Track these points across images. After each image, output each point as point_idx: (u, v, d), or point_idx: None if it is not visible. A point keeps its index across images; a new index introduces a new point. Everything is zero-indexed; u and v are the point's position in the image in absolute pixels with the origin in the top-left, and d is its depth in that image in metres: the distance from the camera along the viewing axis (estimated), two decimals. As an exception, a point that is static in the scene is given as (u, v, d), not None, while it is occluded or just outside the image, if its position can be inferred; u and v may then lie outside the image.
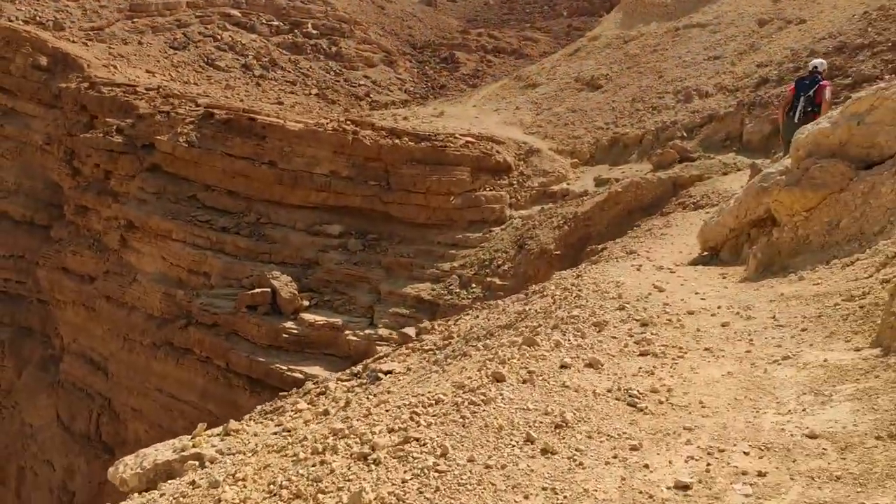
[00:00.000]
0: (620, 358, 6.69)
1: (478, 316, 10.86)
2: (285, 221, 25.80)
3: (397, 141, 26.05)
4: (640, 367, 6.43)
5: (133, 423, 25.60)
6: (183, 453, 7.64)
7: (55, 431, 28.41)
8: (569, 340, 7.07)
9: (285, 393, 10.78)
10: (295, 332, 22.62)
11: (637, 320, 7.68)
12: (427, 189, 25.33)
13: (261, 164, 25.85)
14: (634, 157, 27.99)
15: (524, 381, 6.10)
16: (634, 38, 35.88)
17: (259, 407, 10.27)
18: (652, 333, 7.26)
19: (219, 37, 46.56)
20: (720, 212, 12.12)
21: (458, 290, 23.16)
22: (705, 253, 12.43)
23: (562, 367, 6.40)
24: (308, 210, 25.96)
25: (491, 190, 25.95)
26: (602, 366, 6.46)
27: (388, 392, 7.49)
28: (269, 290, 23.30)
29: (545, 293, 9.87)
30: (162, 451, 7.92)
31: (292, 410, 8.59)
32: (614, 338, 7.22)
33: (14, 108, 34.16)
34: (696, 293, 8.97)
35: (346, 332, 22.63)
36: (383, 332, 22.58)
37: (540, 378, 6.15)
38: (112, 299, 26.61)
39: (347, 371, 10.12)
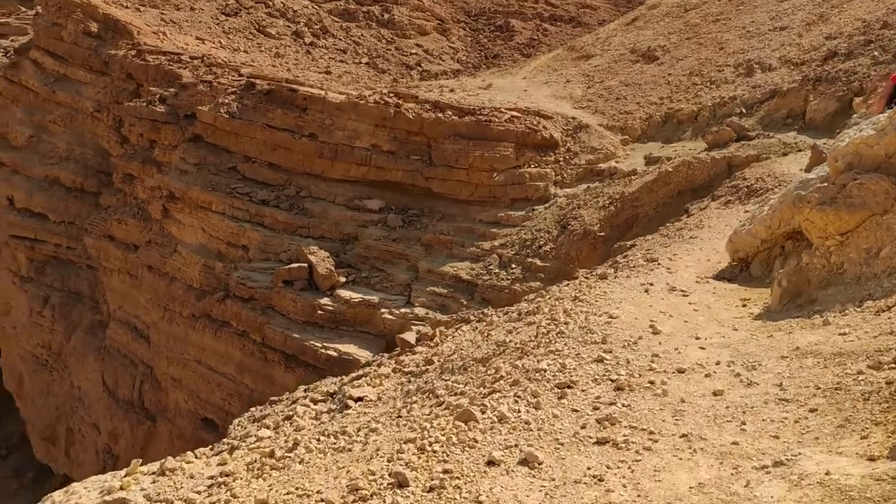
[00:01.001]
0: (569, 448, 5.64)
1: (470, 330, 10.37)
2: (325, 195, 25.45)
3: (440, 115, 25.34)
4: (587, 469, 5.35)
5: (173, 393, 25.86)
6: (107, 497, 7.26)
7: (101, 395, 28.97)
8: (517, 413, 6.24)
9: (258, 410, 10.36)
10: (330, 308, 22.34)
11: (612, 381, 6.78)
12: (470, 165, 24.63)
13: (301, 137, 25.48)
14: (688, 135, 26.73)
15: (430, 489, 5.27)
16: (696, 6, 34.21)
17: (236, 421, 9.99)
18: (623, 406, 6.25)
19: (270, 3, 46.20)
20: (752, 219, 11.03)
21: (497, 271, 22.53)
22: (734, 263, 11.39)
23: (488, 463, 5.48)
24: (348, 184, 25.55)
25: (535, 167, 25.10)
26: (539, 465, 5.41)
27: (307, 465, 6.74)
28: (306, 265, 23.04)
29: (536, 315, 9.20)
30: (90, 491, 7.57)
31: (253, 438, 8.24)
32: (575, 411, 6.28)
33: (66, 75, 34.46)
34: (697, 338, 7.92)
35: (382, 310, 22.24)
36: (419, 311, 22.14)
37: (451, 485, 5.26)
38: (153, 269, 26.77)
39: (323, 389, 9.68)
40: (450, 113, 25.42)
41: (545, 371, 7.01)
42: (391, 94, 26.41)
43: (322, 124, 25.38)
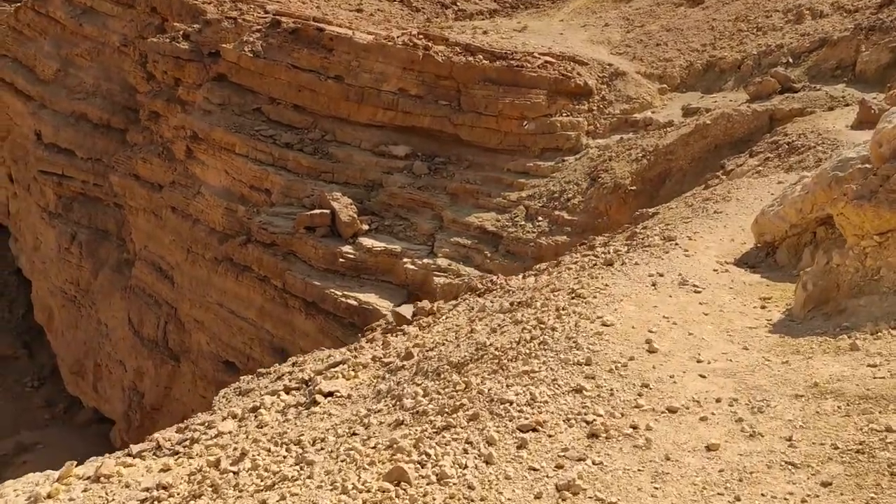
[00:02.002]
0: None
1: (465, 311, 9.79)
2: (350, 140, 24.86)
3: (471, 59, 24.42)
4: None
5: (196, 334, 25.94)
6: (32, 506, 6.94)
7: (126, 333, 29.22)
8: (462, 471, 5.32)
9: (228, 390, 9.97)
10: (352, 256, 21.99)
11: (588, 423, 5.74)
12: (499, 112, 23.82)
13: (327, 79, 24.78)
14: (730, 85, 25.55)
15: None
16: (745, -54, 32.38)
17: (221, 392, 9.68)
18: (593, 464, 5.22)
19: (302, -64, 44.82)
20: (783, 199, 9.94)
21: (523, 223, 21.93)
22: (759, 246, 10.42)
23: None
24: (374, 129, 24.90)
25: (567, 115, 24.20)
26: None
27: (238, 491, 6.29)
28: (328, 211, 22.63)
29: (527, 310, 8.45)
30: (18, 496, 7.27)
31: (215, 431, 7.87)
32: (533, 470, 5.23)
33: (93, 7, 33.87)
34: (699, 360, 6.82)
35: (405, 260, 21.84)
36: (442, 262, 21.71)
37: None
38: (177, 210, 26.59)
39: (299, 377, 9.28)
40: (481, 57, 24.49)
41: (511, 403, 6.07)
42: (420, 36, 25.50)
43: (348, 66, 24.63)
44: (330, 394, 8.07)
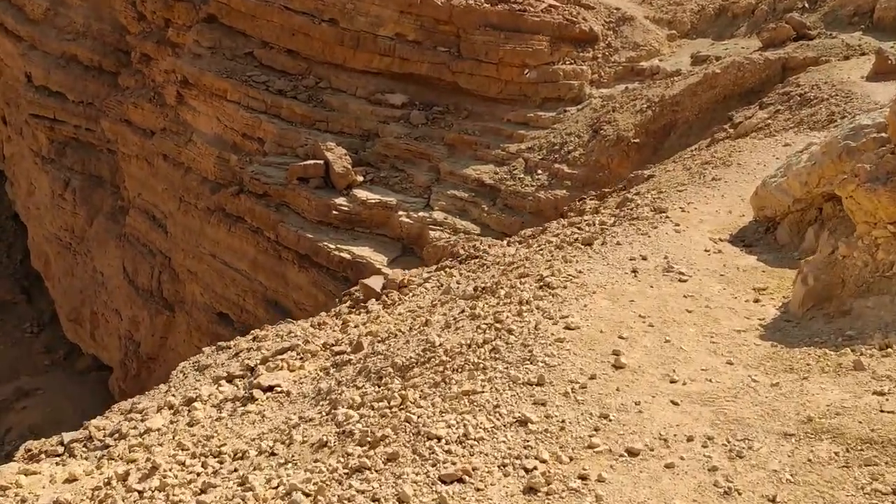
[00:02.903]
0: None
1: (433, 289, 9.18)
2: (345, 87, 24.02)
3: (471, 2, 23.37)
4: None
5: (190, 285, 25.59)
6: None
7: (121, 282, 28.92)
8: None
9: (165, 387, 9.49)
10: (346, 208, 21.41)
11: (527, 472, 4.83)
12: (500, 59, 22.90)
13: (321, 22, 23.79)
14: (743, 31, 24.51)
15: None
16: None
17: (181, 366, 9.25)
18: None
19: None
20: (787, 169, 8.94)
21: (522, 176, 21.26)
22: (758, 220, 9.55)
23: None
24: (370, 76, 24.03)
25: (571, 63, 23.27)
26: None
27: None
28: (322, 162, 21.96)
29: (489, 299, 7.71)
30: None
31: (143, 428, 7.42)
32: None
33: (82, -56, 32.60)
34: (673, 380, 5.86)
35: (400, 213, 21.27)
36: (438, 215, 21.13)
37: None
38: (169, 158, 25.95)
39: (242, 363, 8.82)
40: (481, 0, 23.43)
41: (440, 440, 5.24)
42: (419, -23, 24.37)
43: (343, 9, 23.62)
44: (270, 388, 7.64)
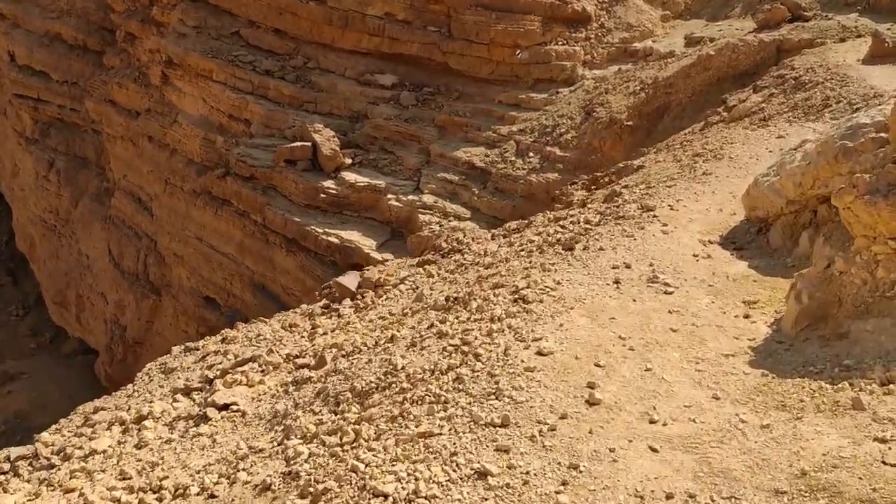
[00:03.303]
0: None
1: (407, 291, 8.79)
2: (334, 68, 23.59)
3: (462, -20, 22.91)
4: None
5: (176, 269, 25.24)
6: None
7: (107, 265, 28.53)
8: None
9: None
10: (334, 192, 21.06)
11: None
12: (491, 40, 22.49)
13: (309, 1, 23.31)
14: (737, 12, 24.15)
15: None
16: None
17: (146, 367, 8.93)
18: None
19: None
20: (780, 167, 8.39)
21: (513, 159, 20.93)
22: (747, 220, 9.08)
23: None
24: (359, 56, 23.59)
25: (563, 44, 22.89)
26: None
27: None
28: (309, 144, 21.58)
29: (459, 313, 7.23)
30: None
31: (87, 450, 7.06)
32: None
33: (65, -81, 31.85)
34: (653, 420, 5.28)
35: (389, 196, 20.93)
36: (428, 198, 20.80)
37: None
38: (154, 139, 25.49)
39: (202, 375, 8.48)
40: (473, -22, 22.97)
41: (386, 499, 4.76)
42: (408, -45, 23.89)
43: (331, -13, 23.15)
44: (226, 406, 7.33)
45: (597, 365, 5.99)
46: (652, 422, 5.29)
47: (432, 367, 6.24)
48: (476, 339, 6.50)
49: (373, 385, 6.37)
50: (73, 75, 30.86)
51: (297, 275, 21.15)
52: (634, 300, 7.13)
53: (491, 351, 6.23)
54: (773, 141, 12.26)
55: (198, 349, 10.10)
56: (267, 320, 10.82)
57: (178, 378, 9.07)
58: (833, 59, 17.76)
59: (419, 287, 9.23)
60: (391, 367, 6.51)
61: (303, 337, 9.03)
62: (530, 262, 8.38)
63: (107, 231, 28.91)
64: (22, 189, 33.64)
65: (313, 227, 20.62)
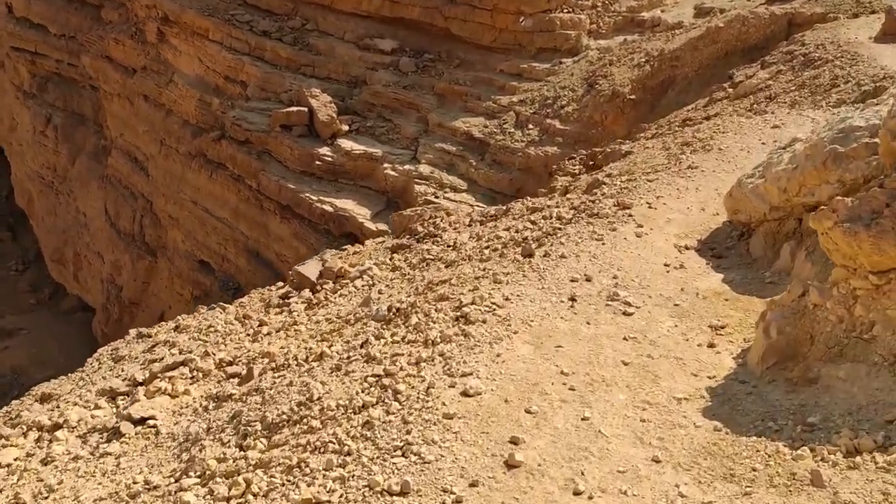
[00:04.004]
0: None
1: (363, 287, 8.41)
2: (333, 30, 23.04)
3: (466, -57, 22.23)
4: None
5: (172, 231, 25.03)
6: None
7: (103, 225, 28.34)
8: None
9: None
10: (329, 159, 20.71)
11: None
12: (494, 6, 21.90)
13: (308, -41, 22.72)
14: (750, -19, 23.43)
15: None
16: None
17: (96, 353, 8.69)
18: None
19: None
20: (766, 168, 7.70)
21: (512, 131, 20.51)
22: (730, 222, 8.53)
23: None
24: (359, 19, 23.03)
25: (569, 12, 22.28)
26: None
27: None
28: (306, 109, 21.16)
29: (396, 329, 6.72)
30: None
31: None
32: None
33: None
34: (578, 492, 4.63)
35: (385, 165, 20.57)
36: (424, 168, 20.44)
37: None
38: (149, 99, 25.08)
39: (126, 379, 8.21)
40: (477, -59, 22.28)
41: None
42: (412, -86, 23.16)
43: (332, -54, 22.52)
44: (142, 420, 7.07)
45: (528, 411, 5.34)
46: (576, 493, 4.64)
47: (348, 401, 5.74)
48: (402, 369, 5.98)
49: (284, 417, 5.92)
50: (71, 29, 30.30)
51: (291, 242, 20.93)
52: (588, 323, 6.53)
53: (413, 388, 5.69)
54: (768, 131, 11.64)
55: (149, 336, 9.91)
56: (226, 307, 10.58)
57: (125, 368, 8.87)
58: (844, 36, 17.23)
59: (375, 284, 8.94)
60: (308, 395, 6.02)
61: (248, 335, 8.76)
62: (484, 270, 7.80)
63: (104, 190, 28.66)
64: (20, 144, 33.32)
65: (308, 195, 20.33)
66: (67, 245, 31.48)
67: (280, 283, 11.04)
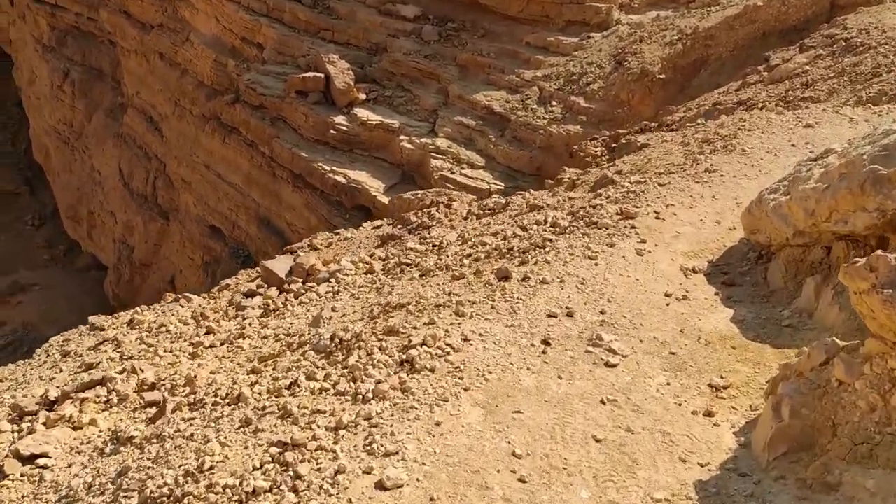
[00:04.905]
0: None
1: (316, 302, 7.61)
2: (354, -7, 22.29)
3: None
4: None
5: (184, 194, 24.62)
6: None
7: (117, 184, 28.00)
8: None
9: None
10: (344, 128, 20.09)
11: None
12: (523, -26, 21.03)
13: (332, -81, 21.90)
14: (793, -41, 22.28)
15: None
16: None
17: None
18: None
19: None
20: (792, 183, 6.49)
21: (534, 107, 19.73)
22: (747, 241, 7.32)
23: None
24: (382, -18, 22.24)
25: (600, -17, 21.32)
26: None
27: None
28: (322, 75, 20.51)
29: (334, 371, 5.74)
30: None
31: None
32: None
33: None
34: None
35: (402, 137, 19.92)
36: (442, 142, 19.77)
37: None
38: (165, 57, 24.52)
39: (43, 397, 7.51)
40: None
41: None
42: None
43: None
44: (32, 458, 6.39)
45: None
46: None
47: (238, 481, 4.71)
48: (314, 438, 4.89)
49: (165, 493, 4.93)
50: (91, -19, 29.74)
51: (302, 212, 20.43)
52: (560, 377, 5.32)
53: (319, 470, 4.61)
54: (799, 131, 10.35)
55: (102, 329, 9.41)
56: (191, 298, 9.98)
57: (62, 369, 8.35)
58: (891, 22, 16.28)
59: (339, 293, 8.20)
60: (200, 462, 5.03)
61: (191, 344, 8.07)
62: (449, 296, 6.64)
63: (119, 148, 28.29)
64: (38, 98, 32.98)
65: (320, 164, 19.76)
66: (82, 202, 31.23)
67: (257, 272, 10.40)
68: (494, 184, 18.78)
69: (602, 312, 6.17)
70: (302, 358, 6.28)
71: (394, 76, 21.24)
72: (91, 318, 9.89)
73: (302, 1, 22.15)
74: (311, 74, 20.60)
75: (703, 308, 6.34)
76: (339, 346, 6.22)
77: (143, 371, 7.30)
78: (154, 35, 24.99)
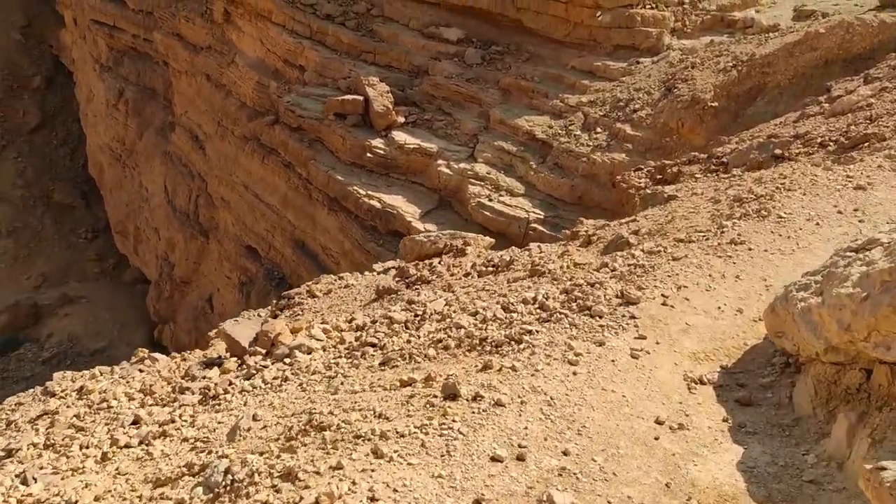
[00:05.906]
0: None
1: (280, 382, 6.74)
2: (398, 17, 21.93)
3: (545, -71, 20.71)
4: None
5: (223, 213, 24.55)
6: None
7: (161, 201, 28.19)
8: None
9: None
10: (381, 152, 19.63)
11: None
12: (570, -2, 20.34)
13: (377, -59, 21.66)
14: (860, -16, 21.11)
15: None
16: None
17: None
18: None
19: None
20: (826, 280, 5.17)
21: (578, 133, 18.93)
22: (769, 342, 5.97)
23: None
24: (427, 6, 21.86)
25: (651, 8, 20.50)
26: None
27: None
28: (361, 98, 20.14)
29: (287, 486, 4.76)
30: None
31: None
32: None
33: None
34: None
35: (440, 162, 19.35)
36: (481, 168, 19.12)
37: None
38: (211, 78, 24.60)
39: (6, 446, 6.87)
40: (557, -72, 20.73)
41: None
42: None
43: (403, -72, 21.39)
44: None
45: None
46: None
47: None
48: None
49: None
50: (148, 4, 30.22)
51: (337, 236, 20.01)
52: None
53: None
54: (848, 194, 8.76)
55: (53, 395, 8.83)
56: (156, 360, 9.27)
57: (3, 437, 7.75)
58: (966, 53, 15.09)
59: (288, 379, 7.10)
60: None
61: (111, 438, 6.99)
62: (379, 419, 5.39)
63: (165, 166, 28.52)
64: (95, 115, 33.66)
65: (356, 188, 19.31)
66: (129, 218, 31.60)
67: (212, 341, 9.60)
68: (534, 212, 18.04)
69: (565, 454, 4.84)
70: (187, 498, 5.28)
71: (434, 99, 20.75)
72: (48, 382, 9.39)
73: (346, 24, 21.92)
74: (349, 97, 20.26)
75: (704, 444, 5.03)
76: (228, 490, 5.11)
77: (35, 481, 6.52)
78: (202, 56, 25.13)
